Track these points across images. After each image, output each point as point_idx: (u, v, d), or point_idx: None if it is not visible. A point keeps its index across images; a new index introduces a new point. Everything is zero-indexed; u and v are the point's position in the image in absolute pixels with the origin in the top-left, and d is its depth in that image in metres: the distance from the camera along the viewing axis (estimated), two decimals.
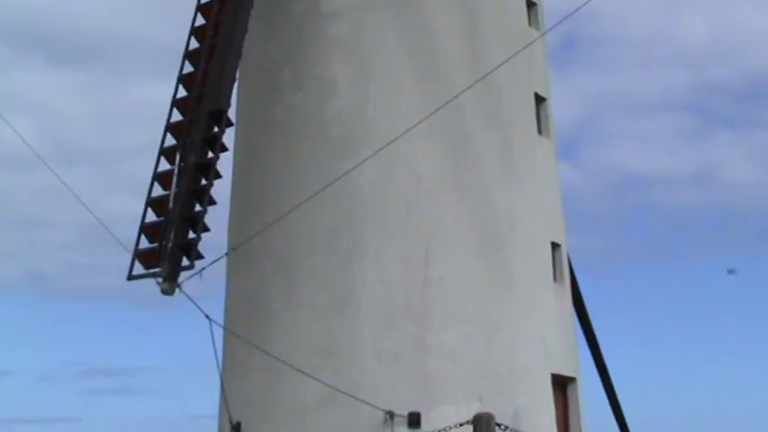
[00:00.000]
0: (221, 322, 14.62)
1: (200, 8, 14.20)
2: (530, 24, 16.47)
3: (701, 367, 40.55)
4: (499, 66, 13.79)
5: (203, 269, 12.66)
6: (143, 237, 13.11)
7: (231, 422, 14.15)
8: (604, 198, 46.98)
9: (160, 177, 13.30)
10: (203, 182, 12.82)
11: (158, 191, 13.36)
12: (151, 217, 13.25)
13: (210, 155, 12.94)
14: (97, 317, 53.58)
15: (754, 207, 46.93)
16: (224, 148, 13.11)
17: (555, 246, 15.87)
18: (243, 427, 14.16)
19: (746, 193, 46.59)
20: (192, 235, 12.64)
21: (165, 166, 13.45)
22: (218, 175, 13.04)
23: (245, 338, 13.92)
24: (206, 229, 12.70)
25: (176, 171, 13.11)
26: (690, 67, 49.63)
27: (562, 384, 15.45)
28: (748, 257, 46.31)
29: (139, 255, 12.93)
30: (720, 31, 48.55)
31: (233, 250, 14.28)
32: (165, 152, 13.44)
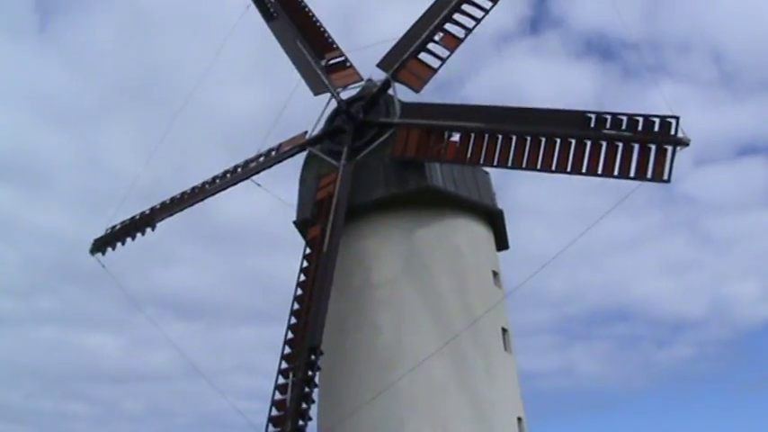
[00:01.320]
0: None
1: (299, 284, 23.08)
2: (495, 285, 25.41)
3: None
4: (482, 315, 23.05)
5: None
6: (270, 425, 21.25)
7: None
8: None
9: (279, 387, 21.58)
10: (306, 390, 20.79)
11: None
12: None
13: (310, 373, 21.12)
14: None
15: (597, 387, 78.05)
16: (318, 368, 21.27)
17: (519, 419, 24.00)
18: None
19: (591, 380, 76.78)
20: (301, 422, 20.64)
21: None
22: (316, 385, 21.06)
23: None
24: (310, 419, 20.68)
25: (290, 384, 21.36)
26: (554, 307, 75.70)
27: None
28: (594, 417, 77.33)
29: None
30: (570, 284, 76.38)
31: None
32: (282, 371, 21.80)
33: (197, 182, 27.11)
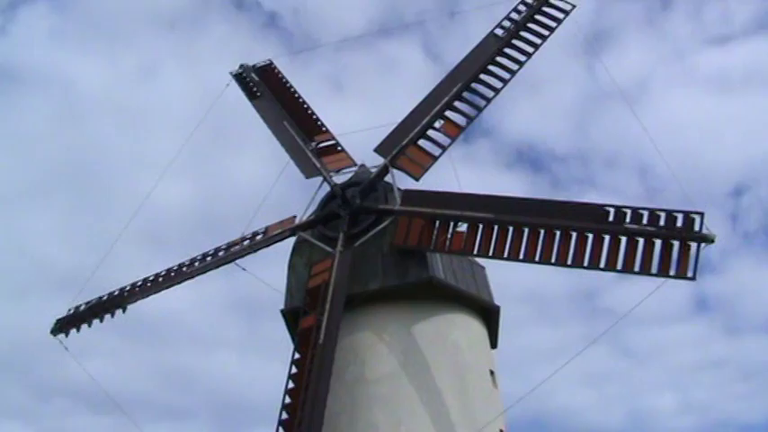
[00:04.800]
0: None
1: (291, 377, 21.17)
2: (493, 385, 24.04)
3: None
4: (490, 422, 21.60)
5: None
6: None
7: None
8: None
9: None
10: None
11: None
12: None
13: None
14: None
15: None
16: None
17: None
18: None
19: None
20: None
21: None
22: None
23: None
24: None
25: None
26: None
27: None
28: None
29: None
30: None
31: None
32: None
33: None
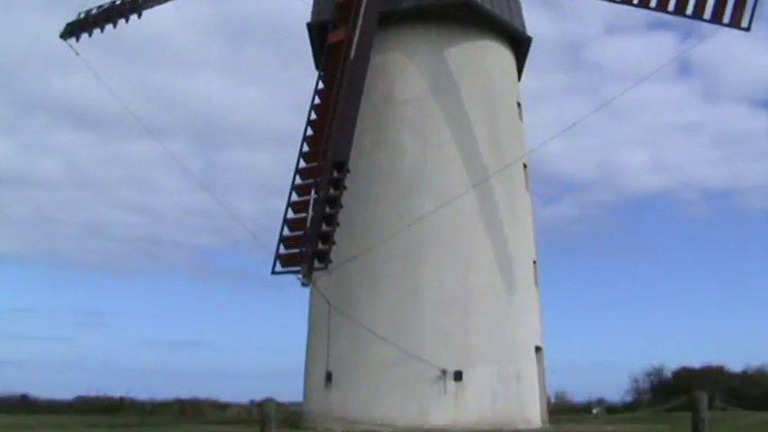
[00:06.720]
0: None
1: (317, 92, 20.22)
2: (520, 119, 23.65)
3: None
4: (514, 161, 21.32)
5: (331, 270, 18.26)
6: (281, 245, 18.83)
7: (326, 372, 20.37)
8: None
9: (293, 205, 19.10)
10: (329, 210, 18.23)
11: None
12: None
13: (334, 192, 18.48)
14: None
15: None
16: (345, 187, 18.66)
17: (534, 262, 22.77)
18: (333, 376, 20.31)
19: None
20: (323, 245, 18.00)
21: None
22: (341, 206, 18.28)
23: (344, 315, 19.96)
24: (334, 243, 17.96)
25: (311, 202, 18.89)
26: None
27: (536, 350, 22.06)
28: None
29: (280, 257, 18.57)
30: None
31: (354, 258, 19.82)
32: (297, 188, 19.29)
33: None
